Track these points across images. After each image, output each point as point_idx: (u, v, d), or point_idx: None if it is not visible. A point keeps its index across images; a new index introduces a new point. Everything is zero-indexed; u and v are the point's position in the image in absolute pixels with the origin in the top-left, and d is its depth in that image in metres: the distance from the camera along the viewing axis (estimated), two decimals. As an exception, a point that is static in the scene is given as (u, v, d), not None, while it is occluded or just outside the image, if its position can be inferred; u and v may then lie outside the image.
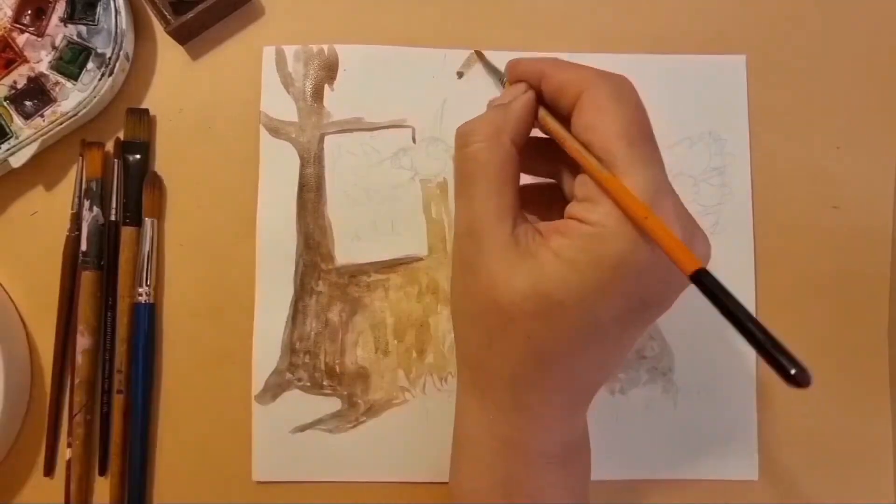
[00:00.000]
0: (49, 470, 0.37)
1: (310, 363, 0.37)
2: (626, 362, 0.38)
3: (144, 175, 0.38)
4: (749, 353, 0.37)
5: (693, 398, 0.37)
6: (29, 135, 0.36)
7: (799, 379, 0.19)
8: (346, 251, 0.38)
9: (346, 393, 0.37)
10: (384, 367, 0.37)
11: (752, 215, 0.38)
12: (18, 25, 0.36)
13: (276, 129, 0.38)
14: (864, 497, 0.37)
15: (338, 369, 0.37)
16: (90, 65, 0.36)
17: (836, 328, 0.38)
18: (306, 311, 0.37)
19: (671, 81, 0.39)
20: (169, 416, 0.37)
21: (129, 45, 0.37)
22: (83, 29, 0.37)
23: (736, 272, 0.38)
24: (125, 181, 0.38)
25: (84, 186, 0.37)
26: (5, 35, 0.36)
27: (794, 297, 0.38)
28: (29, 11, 0.37)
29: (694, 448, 0.37)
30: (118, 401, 0.36)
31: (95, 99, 0.36)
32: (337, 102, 0.38)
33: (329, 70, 0.39)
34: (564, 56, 0.38)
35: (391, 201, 0.38)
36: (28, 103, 0.36)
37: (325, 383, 0.37)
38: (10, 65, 0.36)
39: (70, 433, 0.36)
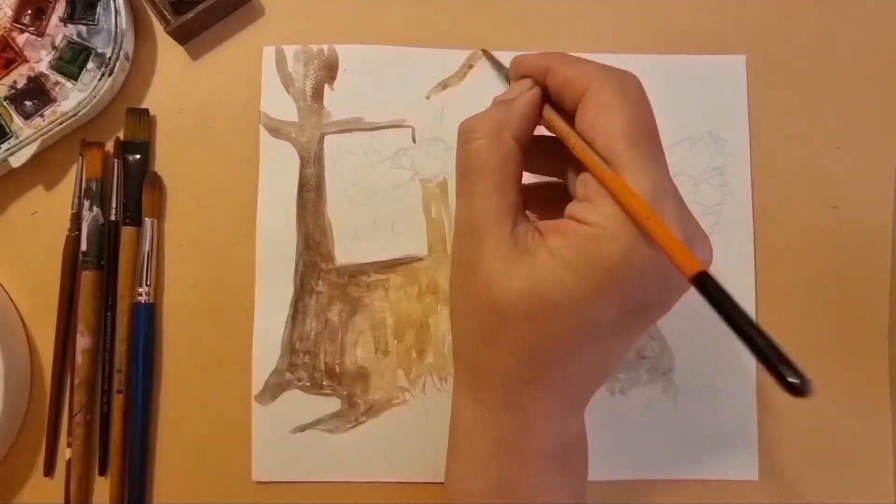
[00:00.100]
0: (49, 470, 0.37)
1: (310, 363, 0.37)
2: (626, 362, 0.38)
3: (144, 175, 0.38)
4: (749, 353, 0.37)
5: (693, 398, 0.37)
6: (29, 135, 0.36)
7: (800, 388, 0.19)
8: (346, 251, 0.38)
9: (345, 393, 0.37)
10: (384, 367, 0.37)
11: (752, 215, 0.38)
12: (18, 25, 0.36)
13: (276, 129, 0.38)
14: (864, 497, 0.37)
15: (338, 369, 0.37)
16: (90, 65, 0.36)
17: (836, 328, 0.38)
18: (306, 311, 0.37)
19: (671, 81, 0.39)
20: (169, 416, 0.37)
21: (129, 45, 0.37)
22: (83, 29, 0.37)
23: (736, 272, 0.38)
24: (125, 181, 0.38)
25: (84, 186, 0.37)
26: (5, 35, 0.36)
27: (794, 297, 0.38)
28: (29, 11, 0.37)
29: (694, 448, 0.37)
30: (118, 401, 0.36)
31: (95, 99, 0.36)
32: (337, 102, 0.38)
33: (329, 70, 0.39)
34: (564, 56, 0.39)
35: (391, 201, 0.38)
36: (28, 103, 0.36)
37: (324, 383, 0.37)
38: (10, 64, 0.36)
39: (70, 433, 0.36)
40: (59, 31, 0.36)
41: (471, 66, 0.39)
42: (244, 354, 0.37)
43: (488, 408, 0.27)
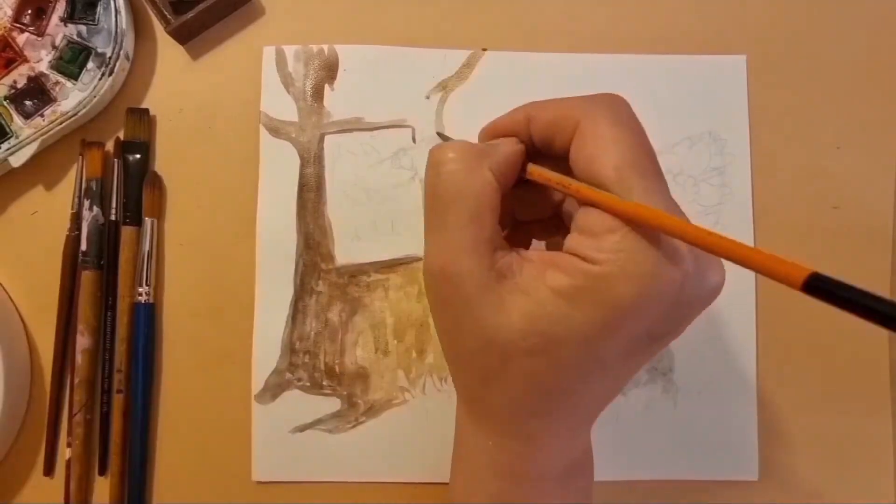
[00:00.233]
0: (49, 469, 0.37)
1: (310, 363, 0.37)
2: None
3: (144, 175, 0.38)
4: (749, 353, 0.37)
5: (693, 398, 0.37)
6: (29, 134, 0.36)
7: None
8: (346, 251, 0.38)
9: (345, 393, 0.37)
10: (384, 367, 0.37)
11: (752, 215, 0.38)
12: (18, 25, 0.36)
13: (276, 129, 0.38)
14: (864, 497, 0.37)
15: (337, 369, 0.37)
16: (90, 64, 0.36)
17: (835, 328, 0.38)
18: (306, 310, 0.37)
19: (671, 81, 0.39)
20: (169, 416, 0.37)
21: (129, 45, 0.37)
22: (83, 28, 0.37)
23: (736, 272, 0.38)
24: (125, 181, 0.38)
25: (84, 186, 0.37)
26: (5, 35, 0.36)
27: (793, 297, 0.38)
28: (29, 11, 0.37)
29: (694, 448, 0.37)
30: (118, 400, 0.36)
31: (95, 99, 0.36)
32: (337, 102, 0.38)
33: (329, 70, 0.39)
34: (565, 56, 0.39)
35: (391, 201, 0.38)
36: (28, 103, 0.36)
37: (324, 383, 0.37)
38: (10, 64, 0.36)
39: (70, 433, 0.36)
40: (59, 30, 0.36)
41: (471, 67, 0.39)
42: (244, 354, 0.37)
43: (493, 434, 0.26)
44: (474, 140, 0.28)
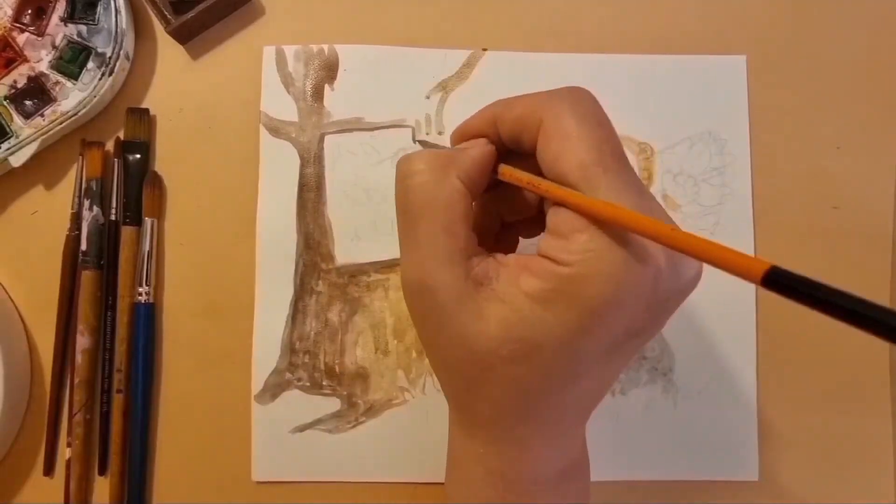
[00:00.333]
0: (49, 469, 0.37)
1: (309, 363, 0.37)
2: (626, 362, 0.38)
3: (144, 175, 0.38)
4: (749, 353, 0.37)
5: (693, 398, 0.37)
6: (29, 134, 0.36)
7: None
8: (346, 251, 0.38)
9: (345, 393, 0.37)
10: (384, 367, 0.37)
11: (752, 215, 0.38)
12: (18, 25, 0.36)
13: (276, 129, 0.38)
14: (864, 497, 0.37)
15: (337, 369, 0.37)
16: (90, 64, 0.36)
17: (836, 328, 0.38)
18: (306, 310, 0.37)
19: (671, 81, 0.39)
20: (169, 416, 0.37)
21: (129, 45, 0.37)
22: (83, 28, 0.37)
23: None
24: (125, 181, 0.38)
25: (84, 186, 0.37)
26: (5, 34, 0.36)
27: (794, 297, 0.38)
28: (29, 11, 0.37)
29: (694, 448, 0.37)
30: (118, 400, 0.36)
31: (95, 98, 0.36)
32: (337, 102, 0.38)
33: (329, 70, 0.39)
34: (565, 56, 0.39)
35: (391, 201, 0.37)
36: (28, 103, 0.36)
37: (324, 383, 0.37)
38: (10, 64, 0.36)
39: (70, 432, 0.36)
40: (59, 30, 0.36)
41: (471, 67, 0.39)
42: (244, 354, 0.37)
43: (480, 441, 0.26)
44: None
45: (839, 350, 0.38)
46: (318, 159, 0.38)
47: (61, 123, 0.36)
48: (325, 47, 0.39)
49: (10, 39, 0.36)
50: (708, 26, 0.40)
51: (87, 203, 0.37)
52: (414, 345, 0.38)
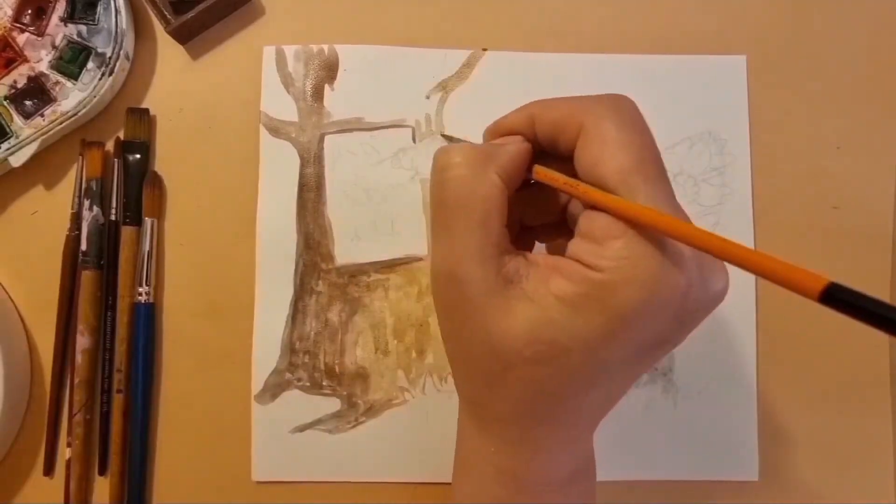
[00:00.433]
0: (49, 469, 0.37)
1: (309, 363, 0.37)
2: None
3: (144, 175, 0.38)
4: (749, 353, 0.37)
5: (693, 398, 0.37)
6: (29, 134, 0.36)
7: None
8: (346, 251, 0.38)
9: (345, 393, 0.37)
10: (384, 367, 0.37)
11: (752, 215, 0.38)
12: (18, 25, 0.36)
13: (276, 129, 0.38)
14: (864, 497, 0.37)
15: (337, 369, 0.37)
16: (90, 64, 0.36)
17: (835, 328, 0.38)
18: (306, 310, 0.37)
19: (671, 81, 0.39)
20: (169, 416, 0.37)
21: (129, 45, 0.37)
22: (83, 28, 0.37)
23: (736, 273, 0.38)
24: (125, 181, 0.38)
25: (84, 186, 0.37)
26: (5, 34, 0.36)
27: (793, 297, 0.38)
28: (29, 11, 0.37)
29: (694, 448, 0.37)
30: (118, 400, 0.36)
31: (95, 98, 0.36)
32: (337, 102, 0.38)
33: (329, 70, 0.39)
34: (565, 56, 0.39)
35: (391, 201, 0.38)
36: (28, 103, 0.36)
37: (324, 383, 0.37)
38: (10, 64, 0.36)
39: (70, 432, 0.36)
40: (59, 30, 0.36)
41: (471, 67, 0.39)
42: (244, 354, 0.37)
43: (494, 439, 0.26)
44: (476, 139, 0.28)
45: (839, 350, 0.38)
46: (318, 159, 0.38)
47: (61, 123, 0.36)
48: (325, 47, 0.39)
49: (10, 39, 0.36)
50: (708, 26, 0.40)
51: (87, 203, 0.37)
52: (414, 345, 0.38)
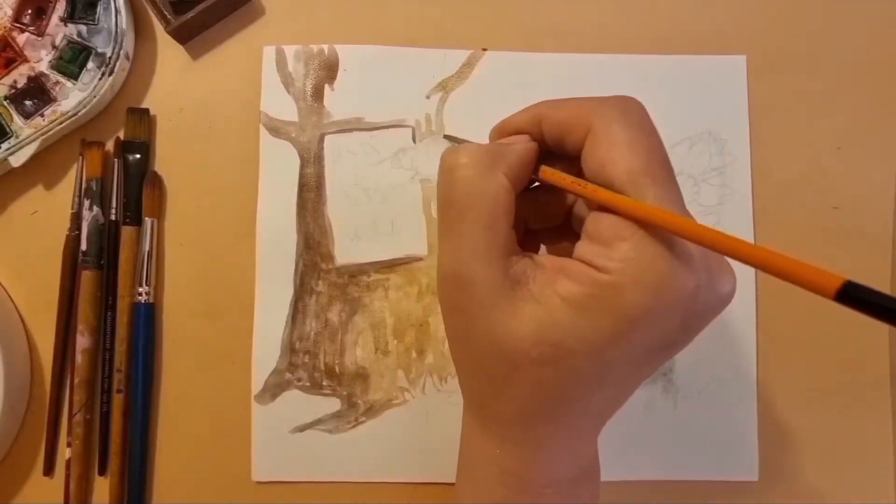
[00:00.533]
0: (49, 469, 0.37)
1: (309, 363, 0.37)
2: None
3: (144, 175, 0.38)
4: (749, 353, 0.37)
5: (693, 398, 0.37)
6: (29, 134, 0.36)
7: None
8: (346, 251, 0.38)
9: (345, 393, 0.37)
10: (384, 367, 0.37)
11: (752, 215, 0.38)
12: (18, 25, 0.36)
13: (276, 129, 0.38)
14: (864, 497, 0.37)
15: (337, 369, 0.37)
16: (90, 64, 0.36)
17: (836, 328, 0.38)
18: (306, 310, 0.37)
19: (671, 81, 0.39)
20: (169, 416, 0.37)
21: (129, 45, 0.37)
22: (83, 28, 0.37)
23: (736, 273, 0.38)
24: (125, 181, 0.38)
25: (84, 186, 0.37)
26: (5, 34, 0.36)
27: (793, 297, 0.38)
28: (29, 11, 0.37)
29: (694, 448, 0.37)
30: (118, 400, 0.36)
31: (95, 98, 0.36)
32: (337, 102, 0.38)
33: (329, 70, 0.39)
34: (565, 56, 0.39)
35: (391, 201, 0.38)
36: (28, 103, 0.36)
37: (324, 383, 0.37)
38: (10, 64, 0.36)
39: (70, 432, 0.36)
40: (59, 30, 0.36)
41: (471, 66, 0.39)
42: (244, 354, 0.37)
43: (498, 440, 0.26)
44: (477, 139, 0.28)
45: (839, 350, 0.38)
46: (318, 159, 0.38)
47: (61, 123, 0.36)
48: (325, 47, 0.39)
49: (10, 39, 0.36)
50: (708, 26, 0.40)
51: (87, 203, 0.37)
52: (414, 345, 0.38)
